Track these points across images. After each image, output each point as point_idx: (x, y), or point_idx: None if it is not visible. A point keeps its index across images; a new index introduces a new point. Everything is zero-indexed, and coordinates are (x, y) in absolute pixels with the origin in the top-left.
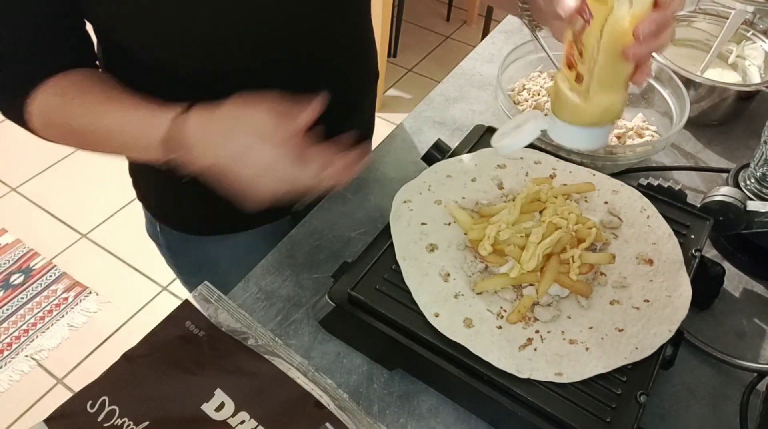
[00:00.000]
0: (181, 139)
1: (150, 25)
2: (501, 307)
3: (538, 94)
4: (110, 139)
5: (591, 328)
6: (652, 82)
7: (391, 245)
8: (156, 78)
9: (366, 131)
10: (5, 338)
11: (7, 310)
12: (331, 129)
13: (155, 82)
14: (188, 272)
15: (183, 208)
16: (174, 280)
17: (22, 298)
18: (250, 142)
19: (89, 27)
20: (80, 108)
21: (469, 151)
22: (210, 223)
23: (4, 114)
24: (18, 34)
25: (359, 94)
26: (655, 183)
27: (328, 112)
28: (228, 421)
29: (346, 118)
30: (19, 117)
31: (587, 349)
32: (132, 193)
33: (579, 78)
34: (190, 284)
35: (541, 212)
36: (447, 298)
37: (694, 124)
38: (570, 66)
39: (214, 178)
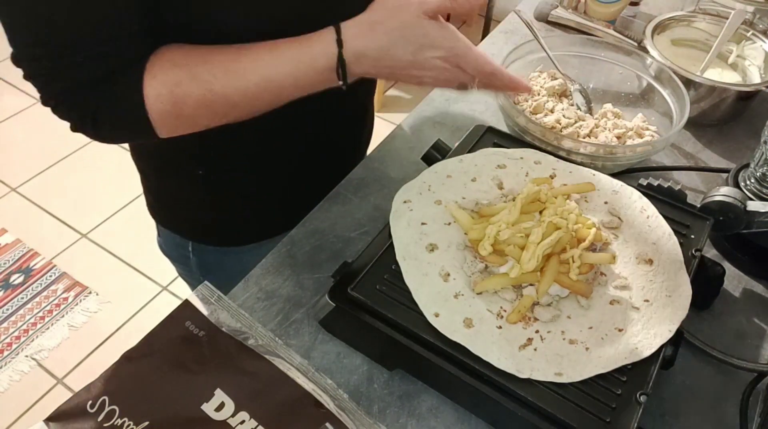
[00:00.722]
0: (353, 57)
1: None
2: (501, 307)
3: (538, 94)
4: (265, 89)
5: (591, 328)
6: (652, 82)
7: (391, 245)
8: None
9: (370, 133)
10: (5, 338)
11: (7, 310)
12: (348, 132)
13: None
14: (219, 287)
15: (221, 222)
16: (174, 280)
17: (22, 298)
18: (424, 43)
19: None
20: (218, 69)
21: (469, 151)
22: (247, 232)
23: (113, 122)
24: (100, 24)
25: (366, 95)
26: (655, 183)
27: (343, 114)
28: (228, 421)
29: (361, 118)
30: (135, 114)
31: (587, 349)
32: (132, 193)
33: None
34: None
35: (541, 212)
36: (447, 298)
37: (694, 124)
38: None
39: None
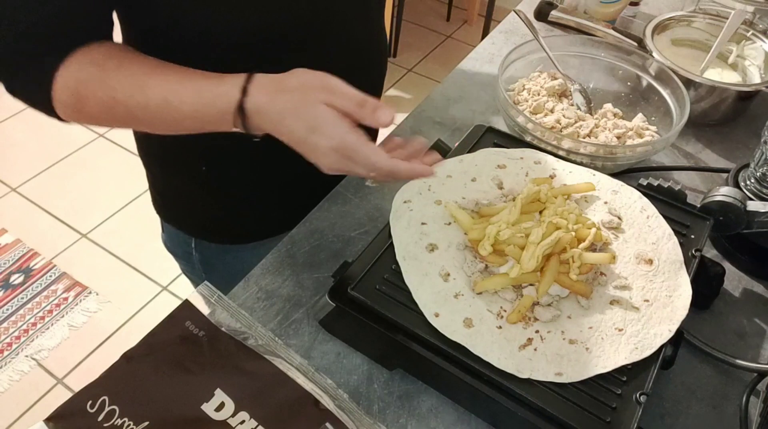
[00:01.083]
0: (253, 108)
1: None
2: (501, 307)
3: (538, 94)
4: (165, 111)
5: (591, 328)
6: (651, 82)
7: (391, 245)
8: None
9: (374, 134)
10: (5, 338)
11: (7, 310)
12: None
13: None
14: (222, 284)
15: (223, 219)
16: (174, 280)
17: (22, 298)
18: (315, 125)
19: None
20: (127, 79)
21: (469, 151)
22: (249, 231)
23: (23, 94)
24: (45, 6)
25: (368, 90)
26: (655, 183)
27: None
28: (228, 421)
29: None
30: (42, 95)
31: (587, 349)
32: (132, 193)
33: None
34: None
35: (541, 212)
36: (447, 298)
37: (694, 124)
38: None
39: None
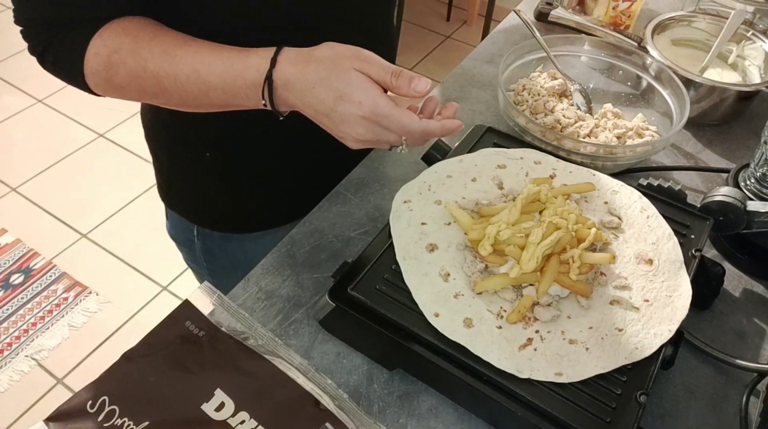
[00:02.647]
0: (280, 80)
1: None
2: (501, 307)
3: (538, 94)
4: (194, 83)
5: (591, 328)
6: (651, 82)
7: (391, 245)
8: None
9: None
10: (5, 338)
11: (7, 310)
12: None
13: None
14: (222, 274)
15: (226, 207)
16: (174, 280)
17: (22, 298)
18: (345, 92)
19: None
20: (158, 48)
21: (469, 151)
22: (252, 220)
23: (55, 63)
24: None
25: None
26: (655, 183)
27: None
28: (228, 421)
29: None
30: (74, 63)
31: (587, 349)
32: (132, 192)
33: None
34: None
35: (541, 212)
36: (447, 298)
37: (694, 124)
38: None
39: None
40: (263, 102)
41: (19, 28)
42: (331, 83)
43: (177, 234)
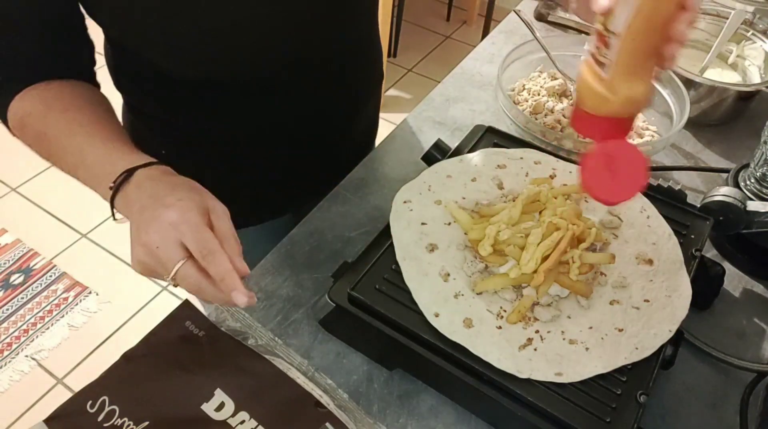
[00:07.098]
0: (125, 192)
1: (150, 27)
2: (501, 308)
3: (538, 94)
4: (71, 161)
5: (591, 328)
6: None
7: (391, 245)
8: (157, 79)
9: (369, 133)
10: (5, 338)
11: (7, 310)
12: (335, 131)
13: (158, 83)
14: None
15: (220, 199)
16: None
17: (22, 298)
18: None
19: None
20: (61, 122)
21: (469, 151)
22: (246, 213)
23: None
24: (15, 37)
25: (364, 97)
26: (655, 183)
27: (333, 114)
28: (228, 421)
29: (351, 120)
30: (2, 116)
31: (587, 349)
32: None
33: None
34: None
35: (540, 212)
36: (447, 298)
37: (694, 124)
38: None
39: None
40: (110, 185)
41: None
42: (149, 233)
43: None
